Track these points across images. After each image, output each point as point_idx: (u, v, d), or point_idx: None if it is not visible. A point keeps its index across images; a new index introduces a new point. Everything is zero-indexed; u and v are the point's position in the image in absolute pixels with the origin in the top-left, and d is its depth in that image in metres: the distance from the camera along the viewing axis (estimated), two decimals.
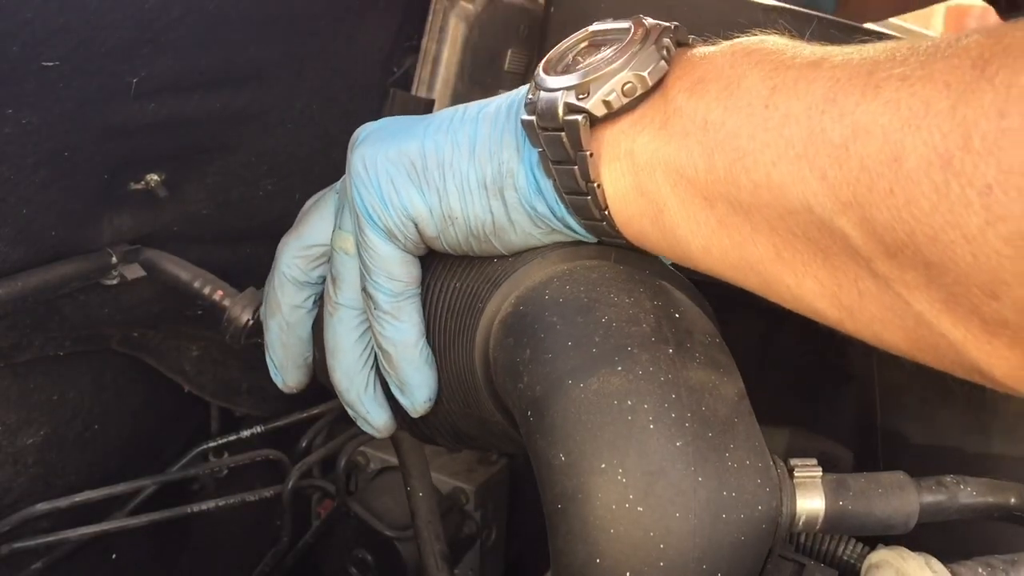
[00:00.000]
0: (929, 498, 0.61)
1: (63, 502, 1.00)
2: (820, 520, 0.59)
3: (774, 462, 0.59)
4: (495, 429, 0.73)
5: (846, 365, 0.83)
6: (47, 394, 0.99)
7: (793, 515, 0.58)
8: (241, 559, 1.25)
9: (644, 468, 0.54)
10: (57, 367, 0.98)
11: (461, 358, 0.71)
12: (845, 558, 0.71)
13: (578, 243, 0.69)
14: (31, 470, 0.99)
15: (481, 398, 0.71)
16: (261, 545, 1.24)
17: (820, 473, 0.60)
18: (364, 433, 1.19)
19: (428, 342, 0.74)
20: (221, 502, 1.14)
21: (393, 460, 1.17)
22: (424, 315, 0.74)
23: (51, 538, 1.00)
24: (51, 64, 0.71)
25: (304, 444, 1.21)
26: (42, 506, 0.99)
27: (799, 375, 0.91)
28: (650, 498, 0.53)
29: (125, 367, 1.06)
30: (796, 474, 0.59)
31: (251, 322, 0.89)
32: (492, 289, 0.69)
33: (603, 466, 0.54)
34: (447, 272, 0.75)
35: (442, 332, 0.73)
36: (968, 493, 0.62)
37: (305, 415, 1.20)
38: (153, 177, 0.87)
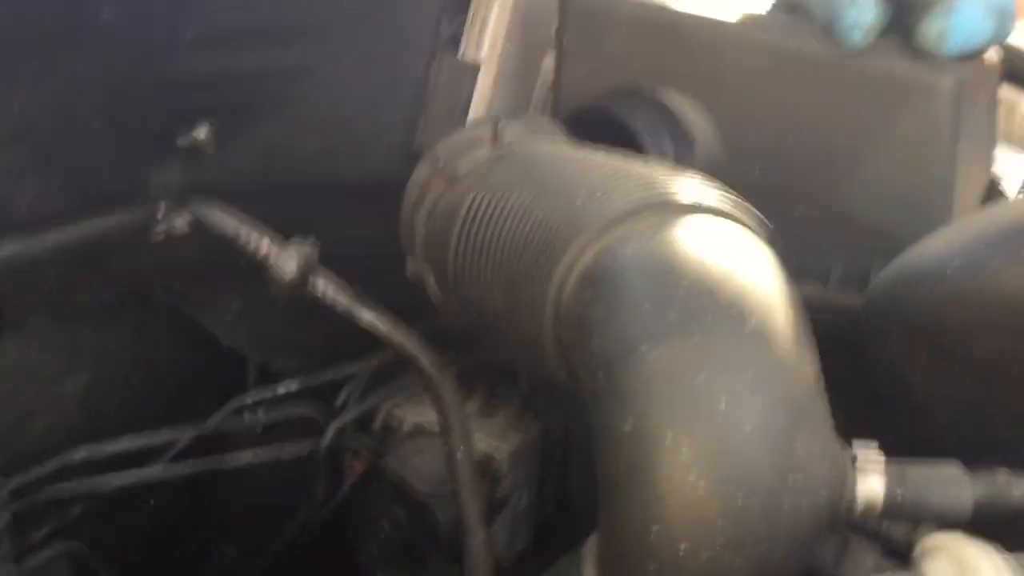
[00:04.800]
0: (983, 492, 0.60)
1: (102, 449, 1.02)
2: (878, 508, 0.59)
3: (841, 448, 0.58)
4: (548, 371, 0.73)
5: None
6: (90, 343, 1.00)
7: (853, 502, 0.58)
8: (274, 514, 1.26)
9: (711, 446, 0.53)
10: (100, 317, 0.99)
11: (533, 295, 0.70)
12: (890, 534, 0.70)
13: (672, 193, 0.68)
14: (72, 417, 1.00)
15: (545, 340, 0.70)
16: (295, 501, 1.25)
17: (883, 461, 0.59)
18: (401, 393, 1.21)
19: (498, 266, 0.73)
20: (256, 457, 1.15)
21: (428, 421, 1.17)
22: (498, 237, 0.73)
23: (90, 484, 1.02)
24: (106, 18, 0.71)
25: (340, 402, 1.21)
26: (82, 452, 1.00)
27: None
28: (713, 476, 0.53)
29: (167, 319, 1.06)
30: (859, 461, 0.59)
31: (297, 273, 0.89)
32: (575, 232, 0.68)
33: (670, 439, 0.53)
34: (532, 197, 0.73)
35: (517, 263, 0.72)
36: (1022, 489, 0.60)
37: (342, 373, 1.21)
38: (202, 132, 0.87)
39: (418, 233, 0.86)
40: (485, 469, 1.15)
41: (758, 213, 0.71)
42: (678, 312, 0.57)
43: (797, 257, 0.92)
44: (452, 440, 0.95)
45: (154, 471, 1.06)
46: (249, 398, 1.17)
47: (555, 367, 0.71)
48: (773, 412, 0.54)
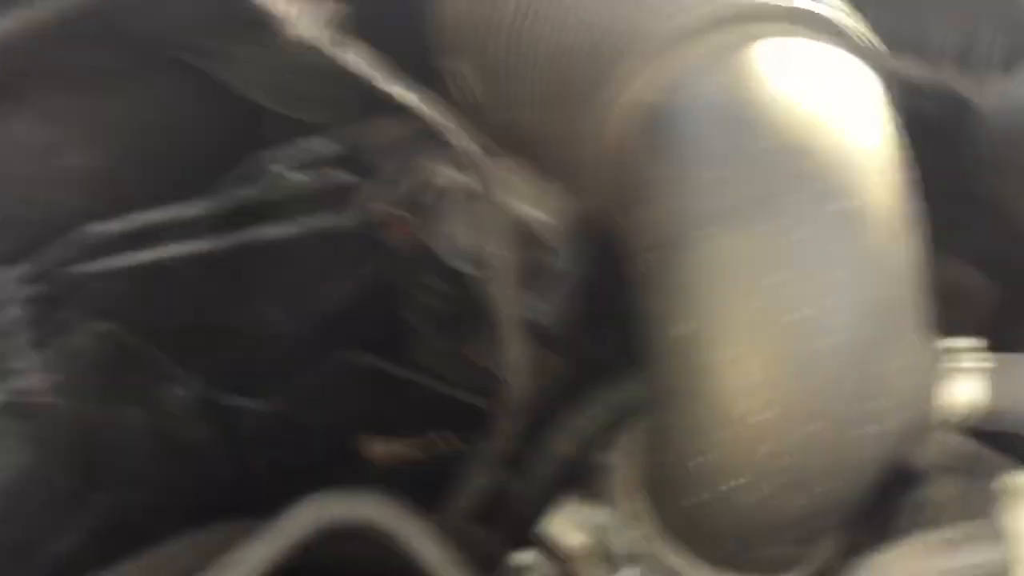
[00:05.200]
0: None
1: (118, 224, 0.96)
2: (975, 417, 0.51)
3: (932, 354, 0.50)
4: (592, 212, 0.64)
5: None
6: (107, 112, 0.94)
7: (939, 416, 0.50)
8: (311, 291, 1.23)
9: (782, 365, 0.44)
10: (118, 83, 0.94)
11: (574, 121, 0.59)
12: None
13: None
14: (84, 189, 0.95)
15: (587, 178, 0.61)
16: (333, 275, 1.22)
17: (988, 364, 0.50)
18: (440, 156, 1.13)
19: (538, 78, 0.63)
20: (293, 225, 1.10)
21: (465, 184, 1.10)
22: (539, 40, 0.62)
23: (115, 261, 0.97)
24: None
25: (375, 165, 1.14)
26: (96, 227, 0.95)
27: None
28: (782, 402, 0.45)
29: (190, 81, 1.00)
30: (961, 363, 0.50)
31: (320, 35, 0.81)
32: (631, 51, 0.55)
33: (734, 352, 0.45)
34: None
35: (558, 75, 0.60)
36: None
37: (378, 134, 1.12)
38: None
39: (449, 15, 0.74)
40: (531, 238, 1.10)
41: (865, 27, 0.57)
42: (757, 183, 0.47)
43: (911, 22, 0.77)
44: (488, 207, 0.92)
45: (177, 247, 1.02)
46: (281, 159, 1.11)
47: (600, 212, 0.61)
48: (860, 324, 0.45)
